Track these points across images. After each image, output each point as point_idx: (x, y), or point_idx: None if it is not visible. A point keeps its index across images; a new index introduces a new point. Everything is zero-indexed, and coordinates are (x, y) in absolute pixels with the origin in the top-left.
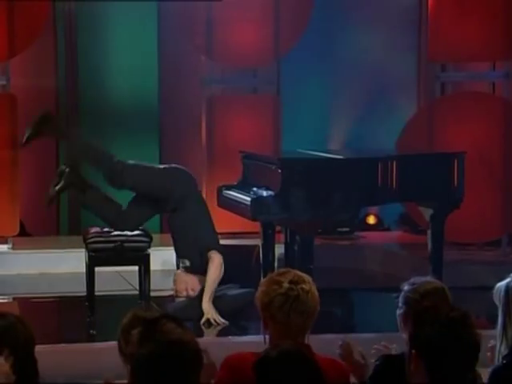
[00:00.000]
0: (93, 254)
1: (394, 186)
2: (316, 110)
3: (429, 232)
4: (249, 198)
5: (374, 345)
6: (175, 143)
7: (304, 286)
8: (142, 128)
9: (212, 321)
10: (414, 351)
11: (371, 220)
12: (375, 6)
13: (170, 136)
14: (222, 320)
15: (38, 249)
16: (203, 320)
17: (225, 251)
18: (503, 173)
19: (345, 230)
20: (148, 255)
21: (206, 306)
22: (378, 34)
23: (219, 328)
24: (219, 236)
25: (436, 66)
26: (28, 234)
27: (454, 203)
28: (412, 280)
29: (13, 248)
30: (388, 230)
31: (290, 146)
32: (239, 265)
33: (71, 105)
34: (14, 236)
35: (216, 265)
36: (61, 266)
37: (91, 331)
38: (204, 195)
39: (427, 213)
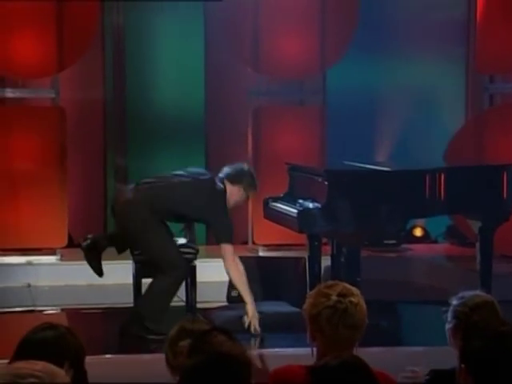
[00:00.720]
0: (140, 266)
1: (442, 198)
2: (362, 121)
3: (477, 245)
4: (295, 210)
5: (422, 359)
6: (221, 155)
7: (352, 298)
8: (188, 139)
9: (252, 327)
10: (463, 366)
11: (418, 232)
12: (422, 19)
13: (216, 148)
14: (258, 329)
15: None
16: (247, 322)
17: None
18: None
19: (391, 242)
20: (194, 267)
21: (250, 308)
22: (425, 46)
23: (264, 340)
24: (266, 248)
25: (484, 78)
26: (76, 245)
27: (503, 216)
28: (461, 294)
29: (61, 259)
30: (435, 242)
31: (336, 158)
32: (285, 277)
33: (119, 116)
34: (62, 248)
35: (229, 267)
36: (108, 277)
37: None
38: (250, 207)
39: (476, 225)
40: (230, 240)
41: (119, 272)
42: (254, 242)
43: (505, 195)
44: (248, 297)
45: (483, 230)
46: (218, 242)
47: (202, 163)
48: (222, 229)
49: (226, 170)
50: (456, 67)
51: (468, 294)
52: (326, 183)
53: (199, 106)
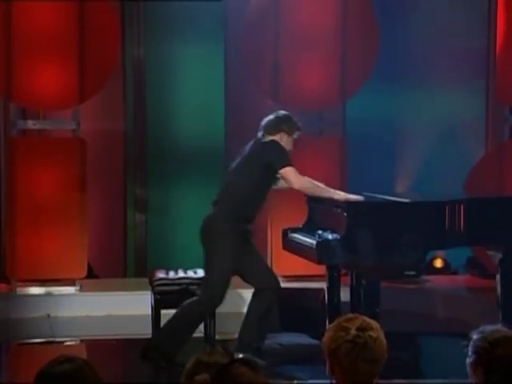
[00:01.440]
0: (158, 297)
1: (462, 230)
2: (382, 152)
3: (497, 276)
4: (314, 241)
5: None
6: None
7: (372, 333)
8: (209, 170)
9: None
10: None
11: (438, 263)
12: (443, 49)
13: None
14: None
15: (105, 291)
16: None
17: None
18: None
19: (412, 273)
20: None
21: (340, 196)
22: (446, 76)
23: (284, 373)
24: (286, 279)
25: (504, 109)
26: (95, 276)
27: None
28: (481, 328)
29: (80, 290)
30: (455, 273)
31: (356, 189)
32: (305, 308)
33: (139, 147)
34: (81, 278)
35: (298, 185)
36: (128, 307)
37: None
38: (269, 238)
39: (496, 257)
40: (287, 163)
41: (138, 303)
42: None
43: None
44: (329, 192)
45: (503, 262)
46: (278, 169)
47: None
48: (275, 156)
49: (261, 127)
50: (476, 97)
51: (488, 328)
52: (345, 214)
53: (219, 137)
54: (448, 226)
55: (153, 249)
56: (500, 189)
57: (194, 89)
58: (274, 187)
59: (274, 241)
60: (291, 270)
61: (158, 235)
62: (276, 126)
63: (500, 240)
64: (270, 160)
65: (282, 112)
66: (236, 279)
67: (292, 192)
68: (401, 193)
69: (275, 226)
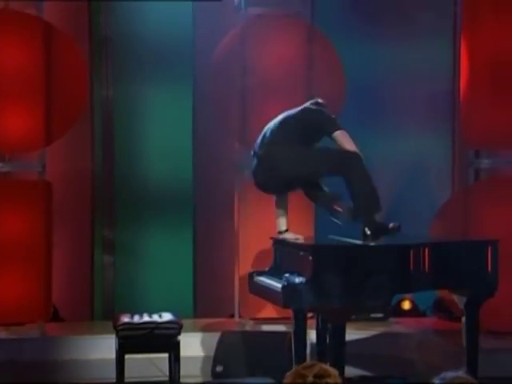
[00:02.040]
0: (122, 342)
1: (427, 273)
2: (348, 196)
3: (463, 320)
4: (280, 285)
5: None
6: (210, 228)
7: (329, 380)
8: (177, 211)
9: None
10: None
11: (406, 305)
12: (410, 92)
13: (205, 220)
14: None
15: (71, 334)
16: None
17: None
18: None
19: (379, 315)
20: (178, 342)
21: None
22: (413, 119)
23: None
24: (253, 321)
25: (469, 152)
26: (61, 318)
27: (488, 291)
28: (442, 375)
29: (45, 334)
30: (424, 315)
31: (322, 232)
32: (271, 352)
33: (107, 189)
34: (46, 321)
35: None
36: (93, 352)
37: None
38: (236, 280)
39: (461, 300)
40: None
41: (104, 346)
42: (240, 316)
43: (490, 271)
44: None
45: (468, 306)
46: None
47: (190, 235)
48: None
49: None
50: (443, 141)
51: (449, 375)
52: (311, 258)
53: (188, 179)
54: (413, 270)
55: (121, 291)
56: (465, 232)
57: (163, 130)
58: None
59: (241, 283)
60: (259, 313)
61: (127, 277)
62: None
63: (465, 284)
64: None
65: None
66: (202, 322)
67: (258, 235)
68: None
69: (242, 268)
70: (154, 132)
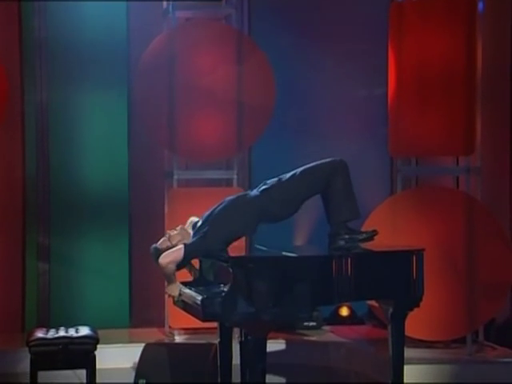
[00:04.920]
0: (34, 358)
1: (350, 283)
2: None
3: (389, 329)
4: (200, 298)
5: None
6: (144, 234)
7: None
8: (113, 218)
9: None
10: None
11: (344, 312)
12: (343, 97)
13: (140, 227)
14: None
15: None
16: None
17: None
18: (466, 268)
19: (311, 324)
20: (93, 358)
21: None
22: (349, 125)
23: None
24: (182, 332)
25: (398, 161)
26: None
27: (413, 301)
28: None
29: None
30: (362, 322)
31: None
32: (197, 364)
33: (42, 195)
34: None
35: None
36: (19, 365)
37: None
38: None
39: (388, 311)
40: None
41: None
42: (170, 326)
43: (414, 281)
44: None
45: (394, 316)
46: None
47: (126, 243)
48: None
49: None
50: (381, 146)
51: None
52: (231, 270)
53: (123, 186)
54: (335, 281)
55: (56, 299)
56: (393, 240)
57: (98, 135)
58: None
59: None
60: (188, 323)
61: (62, 285)
62: None
63: (389, 294)
64: None
65: None
66: (136, 332)
67: None
68: (299, 246)
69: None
70: (89, 137)
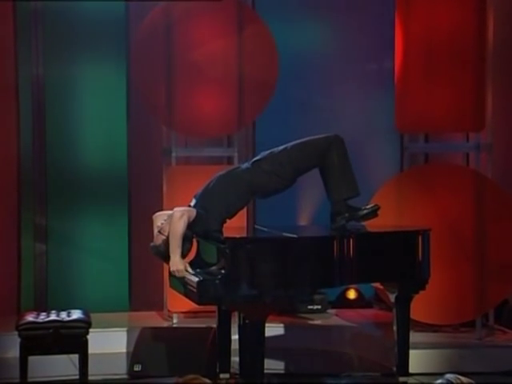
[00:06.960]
0: (25, 342)
1: (352, 265)
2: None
3: (394, 313)
4: (196, 279)
5: None
6: (144, 212)
7: None
8: (112, 196)
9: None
10: None
11: (351, 295)
12: (351, 70)
13: (140, 205)
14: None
15: None
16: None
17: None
18: (475, 249)
19: (317, 307)
20: (85, 342)
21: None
22: (356, 98)
23: None
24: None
25: (405, 137)
26: None
27: (419, 284)
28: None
29: None
30: (370, 306)
31: (262, 222)
32: (196, 348)
33: (38, 173)
34: None
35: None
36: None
37: None
38: (166, 273)
39: (392, 294)
40: None
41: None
42: (169, 310)
43: (419, 262)
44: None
45: (399, 299)
46: None
47: (125, 221)
48: None
49: None
50: (389, 123)
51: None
52: (228, 251)
53: (122, 163)
54: (337, 263)
55: (54, 280)
56: (399, 219)
57: (96, 111)
58: None
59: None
60: (187, 306)
61: (60, 266)
62: None
63: (394, 276)
64: None
65: None
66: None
67: None
68: (302, 226)
69: None
70: (87, 112)
